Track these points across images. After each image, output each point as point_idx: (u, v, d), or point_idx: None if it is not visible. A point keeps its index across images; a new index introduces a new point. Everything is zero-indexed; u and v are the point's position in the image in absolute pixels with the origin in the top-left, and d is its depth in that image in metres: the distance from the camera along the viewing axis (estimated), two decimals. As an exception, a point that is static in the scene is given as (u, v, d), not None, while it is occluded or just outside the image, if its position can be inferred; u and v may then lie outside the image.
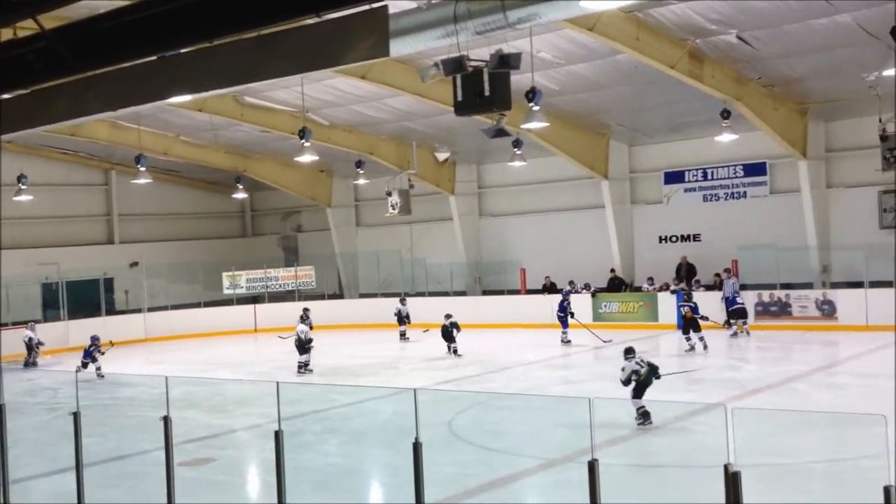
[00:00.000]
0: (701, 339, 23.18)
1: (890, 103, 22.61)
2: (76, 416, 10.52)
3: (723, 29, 20.95)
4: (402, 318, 29.78)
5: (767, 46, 21.78)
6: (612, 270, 30.95)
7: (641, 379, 14.88)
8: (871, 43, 20.14)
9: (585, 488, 7.20)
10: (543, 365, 23.38)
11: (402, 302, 30.31)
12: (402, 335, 29.51)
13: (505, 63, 12.43)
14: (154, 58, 10.36)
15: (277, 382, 9.51)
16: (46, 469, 13.12)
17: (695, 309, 23.60)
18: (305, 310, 25.63)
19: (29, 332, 28.03)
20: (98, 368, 23.93)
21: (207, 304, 35.70)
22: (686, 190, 30.51)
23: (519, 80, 16.69)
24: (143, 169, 28.87)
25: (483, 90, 12.41)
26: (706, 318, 24.04)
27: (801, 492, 11.13)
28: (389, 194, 30.83)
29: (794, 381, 18.84)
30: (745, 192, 29.30)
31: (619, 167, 31.33)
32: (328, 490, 12.28)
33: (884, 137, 22.70)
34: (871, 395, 17.11)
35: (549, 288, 31.38)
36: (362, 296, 37.89)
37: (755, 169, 29.02)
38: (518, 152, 26.90)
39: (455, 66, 12.36)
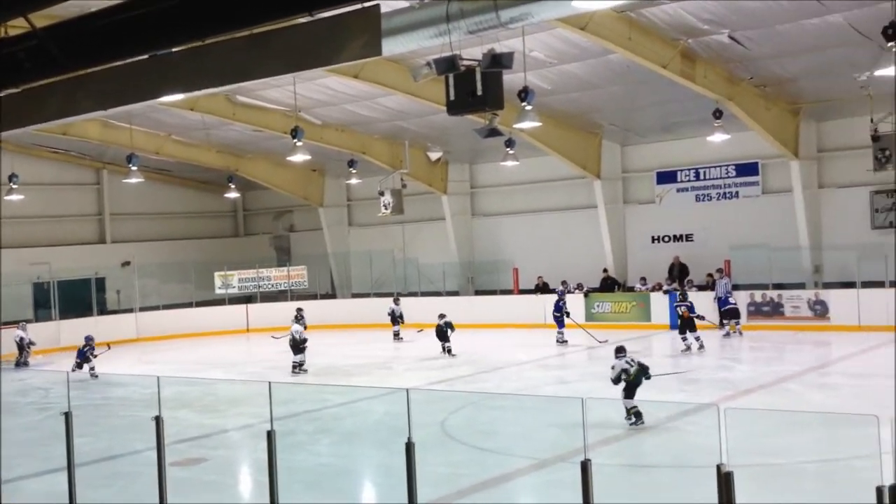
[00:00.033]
0: (697, 338, 23.17)
1: (882, 103, 22.68)
2: (68, 416, 10.50)
3: (715, 29, 20.97)
4: (396, 318, 29.77)
5: (759, 46, 21.82)
6: (605, 270, 30.96)
7: (630, 378, 14.88)
8: (863, 43, 20.18)
9: (578, 488, 7.20)
10: (536, 365, 23.38)
11: (396, 302, 30.31)
12: (396, 335, 29.49)
13: (497, 62, 12.45)
14: (146, 56, 10.34)
15: (269, 382, 9.50)
16: (38, 469, 13.08)
17: (691, 308, 23.60)
18: (299, 310, 25.60)
19: (20, 332, 27.95)
20: (92, 369, 23.90)
21: (199, 304, 35.63)
22: (678, 190, 30.54)
23: (511, 79, 16.71)
24: (134, 168, 28.84)
25: (475, 89, 12.44)
26: (702, 318, 24.08)
27: (793, 492, 11.13)
28: (382, 194, 30.83)
29: (787, 382, 18.85)
30: (737, 192, 29.34)
31: (612, 167, 31.34)
32: (320, 490, 12.25)
33: (875, 138, 22.79)
34: (864, 395, 17.17)
35: (542, 288, 31.39)
36: (355, 296, 37.84)
37: (747, 169, 29.06)
38: (510, 152, 26.91)
39: (447, 65, 12.37)
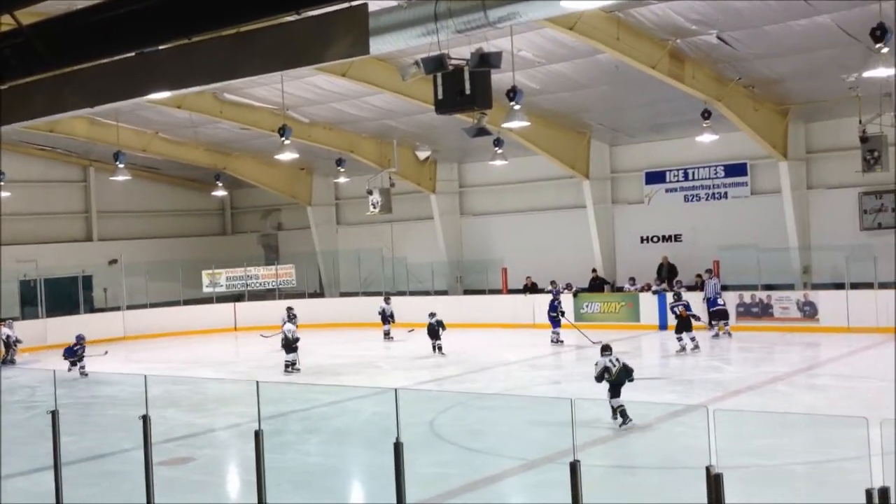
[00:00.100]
0: (692, 339, 23.14)
1: (870, 104, 22.74)
2: (54, 414, 10.44)
3: (703, 29, 20.98)
4: (387, 318, 29.68)
5: (748, 47, 21.84)
6: (594, 271, 30.96)
7: (613, 378, 14.89)
8: (851, 44, 20.22)
9: (567, 489, 7.18)
10: (525, 365, 23.38)
11: (387, 301, 30.23)
12: (387, 334, 29.42)
13: (485, 62, 12.44)
14: (133, 54, 10.29)
15: (257, 382, 9.46)
16: (24, 468, 13.00)
17: (688, 307, 23.61)
18: (290, 309, 25.53)
19: (6, 330, 27.87)
20: (82, 367, 23.80)
21: (187, 303, 35.56)
22: (667, 190, 30.57)
23: (500, 78, 16.71)
24: (121, 166, 28.78)
25: (464, 89, 12.44)
26: (698, 318, 24.14)
27: (783, 494, 11.14)
28: (370, 193, 30.78)
29: (776, 383, 18.86)
30: (726, 193, 29.38)
31: (601, 167, 31.35)
32: (309, 490, 12.22)
33: (864, 139, 22.81)
34: (853, 396, 17.22)
35: (531, 288, 31.38)
36: (343, 294, 37.79)
37: (736, 169, 29.10)
38: (499, 151, 26.90)
39: (435, 64, 12.36)
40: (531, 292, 31.14)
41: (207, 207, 42.68)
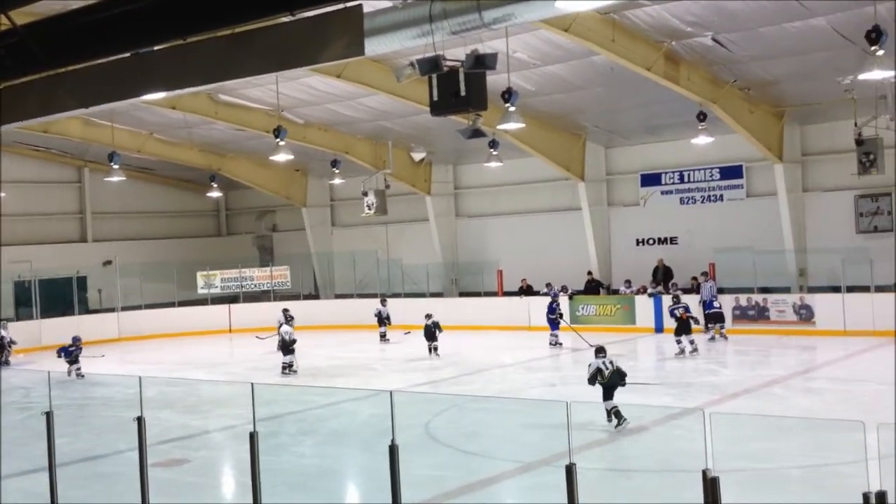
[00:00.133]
0: (692, 342, 23.13)
1: (866, 107, 22.74)
2: (49, 415, 10.41)
3: (698, 31, 21.00)
4: (383, 320, 29.60)
5: (743, 49, 21.86)
6: (589, 273, 30.94)
7: (606, 380, 14.89)
8: (847, 47, 20.25)
9: (563, 492, 7.15)
10: (520, 367, 23.35)
11: (383, 303, 30.18)
12: (383, 336, 29.36)
13: (481, 63, 12.43)
14: (127, 55, 10.27)
15: (252, 383, 9.42)
16: (18, 469, 12.96)
17: (688, 309, 23.60)
18: (286, 311, 25.51)
19: (1, 331, 27.76)
20: (78, 369, 23.73)
21: (182, 304, 35.49)
22: (663, 192, 30.55)
23: (495, 80, 16.66)
24: (116, 167, 28.76)
25: (459, 90, 12.42)
26: (698, 321, 24.12)
27: (779, 497, 11.11)
28: (365, 194, 30.76)
29: (772, 386, 18.86)
30: (721, 195, 29.37)
31: (596, 169, 31.35)
32: (304, 492, 12.19)
33: (860, 142, 22.79)
34: (850, 400, 17.21)
35: (526, 290, 31.36)
36: (338, 296, 37.75)
37: (731, 172, 29.10)
38: (494, 153, 26.89)
39: (430, 65, 12.34)
40: (526, 294, 31.12)
41: (202, 209, 42.63)
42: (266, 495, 9.00)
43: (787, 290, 27.16)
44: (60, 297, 33.43)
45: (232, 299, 36.25)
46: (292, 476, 12.81)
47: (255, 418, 9.00)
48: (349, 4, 8.75)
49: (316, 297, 38.18)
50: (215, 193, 36.16)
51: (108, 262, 36.78)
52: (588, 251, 31.33)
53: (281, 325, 24.43)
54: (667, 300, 27.03)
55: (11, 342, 27.86)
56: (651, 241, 31.05)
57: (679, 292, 25.86)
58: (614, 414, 14.55)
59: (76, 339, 24.29)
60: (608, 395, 14.83)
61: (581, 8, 16.70)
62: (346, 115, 29.42)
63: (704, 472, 6.59)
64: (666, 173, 30.43)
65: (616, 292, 30.46)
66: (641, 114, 28.08)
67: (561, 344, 25.78)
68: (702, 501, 6.59)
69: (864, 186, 25.99)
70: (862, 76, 17.56)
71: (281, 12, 8.41)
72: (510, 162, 30.16)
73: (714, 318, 25.67)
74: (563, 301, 28.29)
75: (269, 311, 30.84)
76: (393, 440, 8.08)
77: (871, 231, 26.73)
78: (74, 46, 9.46)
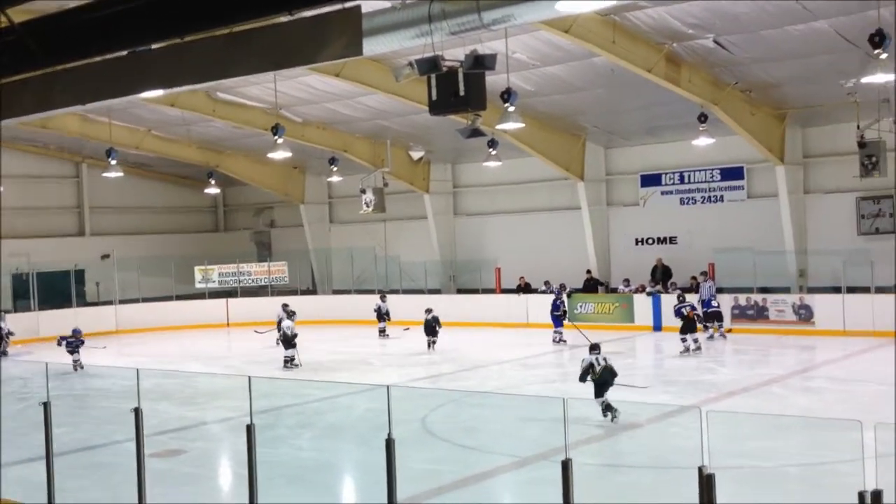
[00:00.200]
0: (695, 340, 23.17)
1: (868, 110, 22.76)
2: (46, 406, 10.41)
3: (700, 33, 20.98)
4: (382, 315, 29.55)
5: (745, 51, 21.84)
6: (588, 272, 30.95)
7: (597, 377, 14.96)
8: (849, 49, 20.21)
9: (559, 487, 7.17)
10: (518, 364, 23.36)
11: (383, 299, 30.12)
12: (382, 332, 29.33)
13: (480, 63, 12.44)
14: (125, 53, 10.28)
15: (249, 377, 9.43)
16: (17, 458, 12.97)
17: (694, 308, 23.62)
18: (286, 305, 25.55)
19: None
20: (76, 360, 23.72)
21: (179, 298, 35.50)
22: (663, 193, 30.55)
23: (494, 80, 16.70)
24: (114, 163, 28.77)
25: (458, 90, 12.41)
26: (702, 319, 24.21)
27: (775, 495, 11.13)
28: (364, 192, 30.78)
29: (771, 385, 18.87)
30: (722, 196, 29.37)
31: (596, 169, 31.35)
32: (301, 484, 12.20)
33: (862, 144, 22.81)
34: (848, 400, 17.23)
35: (524, 288, 31.38)
36: (336, 292, 37.77)
37: (732, 173, 29.10)
38: (493, 152, 26.88)
39: (429, 65, 12.35)
40: (525, 292, 31.15)
41: (200, 204, 42.63)
42: (262, 487, 9.00)
43: (786, 290, 27.18)
44: (58, 289, 33.45)
45: (230, 294, 36.25)
46: (289, 469, 12.83)
47: (251, 410, 9.00)
48: (348, 5, 8.74)
49: (313, 292, 38.20)
50: (213, 190, 36.14)
51: (106, 256, 36.79)
52: (587, 250, 31.34)
53: (281, 319, 24.48)
54: (666, 299, 27.18)
55: (9, 333, 27.89)
56: (650, 241, 31.07)
57: (678, 291, 25.89)
58: (606, 407, 14.66)
59: (76, 332, 24.28)
60: (599, 393, 14.91)
61: (582, 9, 16.70)
62: (344, 113, 29.41)
63: (700, 470, 6.59)
64: (666, 174, 30.43)
65: (615, 291, 30.48)
66: (642, 115, 28.08)
67: (565, 341, 25.73)
68: (697, 499, 6.59)
69: (866, 189, 26.03)
70: (865, 79, 17.53)
71: (279, 12, 8.42)
72: (509, 161, 30.16)
73: (712, 317, 25.69)
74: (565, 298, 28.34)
75: (267, 306, 30.92)
76: (389, 434, 8.08)
77: (873, 233, 26.74)
78: (72, 44, 9.46)
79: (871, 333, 24.22)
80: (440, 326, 25.26)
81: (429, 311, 25.53)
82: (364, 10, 9.33)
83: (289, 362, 23.07)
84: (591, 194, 31.02)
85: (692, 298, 25.71)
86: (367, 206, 30.85)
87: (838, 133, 26.28)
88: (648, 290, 28.71)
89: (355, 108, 28.74)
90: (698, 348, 23.11)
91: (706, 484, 6.56)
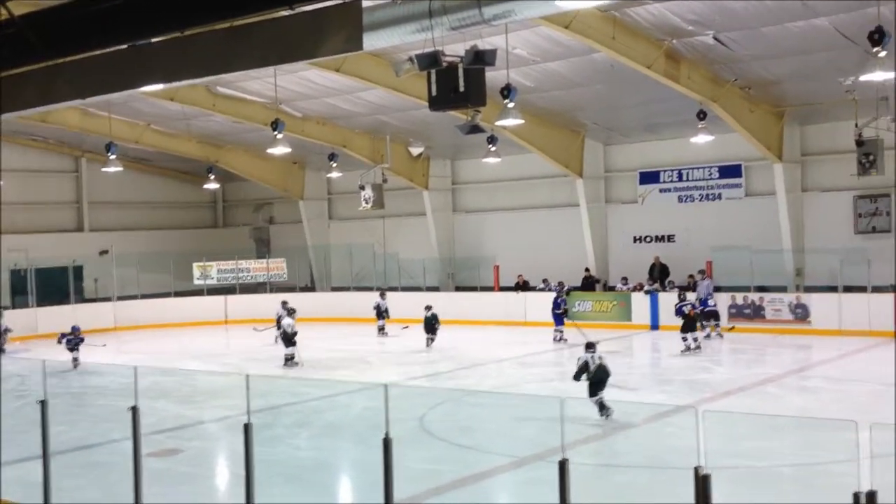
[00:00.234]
0: (695, 339, 23.16)
1: (866, 108, 22.74)
2: (44, 404, 10.39)
3: (699, 30, 20.97)
4: (382, 313, 29.42)
5: (744, 48, 21.83)
6: (587, 270, 30.93)
7: (592, 376, 14.99)
8: (849, 47, 20.22)
9: (556, 487, 7.16)
10: (516, 362, 23.36)
11: (382, 296, 30.00)
12: (381, 330, 29.27)
13: (480, 59, 12.45)
14: (125, 46, 10.26)
15: (247, 375, 9.42)
16: (13, 457, 12.95)
17: (695, 306, 23.63)
18: (285, 303, 25.51)
19: (-3, 319, 27.79)
20: (75, 358, 23.69)
21: (178, 294, 35.46)
22: (661, 190, 30.54)
23: (494, 76, 16.69)
24: (113, 157, 28.67)
25: (458, 86, 12.43)
26: (703, 317, 24.24)
27: (771, 495, 11.15)
28: (363, 188, 30.74)
29: (767, 385, 18.86)
30: (720, 194, 29.37)
31: (595, 166, 31.35)
32: (299, 484, 12.19)
33: (860, 142, 22.82)
34: (844, 399, 17.23)
35: (523, 286, 31.36)
36: (334, 289, 37.74)
37: (730, 171, 29.10)
38: (492, 149, 26.86)
39: (430, 61, 12.35)
40: (523, 290, 31.13)
41: (199, 200, 42.61)
42: (260, 487, 8.99)
43: (783, 289, 27.18)
44: (56, 286, 33.42)
45: (228, 290, 36.22)
46: (287, 468, 12.82)
47: (249, 409, 8.99)
48: (348, -1, 8.74)
49: (312, 289, 38.17)
50: (212, 185, 36.14)
51: (105, 252, 36.73)
52: (585, 248, 31.33)
53: (280, 317, 24.44)
54: (663, 298, 27.14)
55: (7, 330, 27.83)
56: (648, 239, 31.07)
57: (675, 289, 25.88)
58: (599, 405, 14.76)
59: (75, 329, 24.24)
60: (594, 392, 14.94)
61: (582, 6, 16.69)
62: (344, 108, 29.39)
63: (696, 470, 6.59)
64: (664, 171, 30.43)
65: (612, 289, 30.47)
66: (641, 112, 28.07)
67: (566, 340, 25.67)
68: (693, 498, 6.59)
69: (863, 187, 26.04)
70: (864, 77, 17.52)
71: (280, 6, 8.40)
72: (508, 158, 30.13)
73: (709, 315, 25.67)
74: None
75: (265, 303, 30.88)
76: (387, 433, 8.07)
77: (870, 232, 26.77)
78: (72, 37, 9.46)
79: (867, 333, 24.24)
80: (439, 324, 25.24)
81: (428, 308, 25.52)
82: (364, 4, 9.34)
83: (289, 360, 23.04)
84: (589, 191, 31.01)
85: (690, 297, 25.69)
86: (366, 203, 30.80)
87: (836, 131, 26.29)
88: (646, 288, 28.69)
89: (355, 104, 28.72)
90: (698, 347, 23.10)
91: (702, 484, 6.56)
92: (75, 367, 23.41)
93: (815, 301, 26.03)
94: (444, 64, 12.36)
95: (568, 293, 29.37)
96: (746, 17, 20.05)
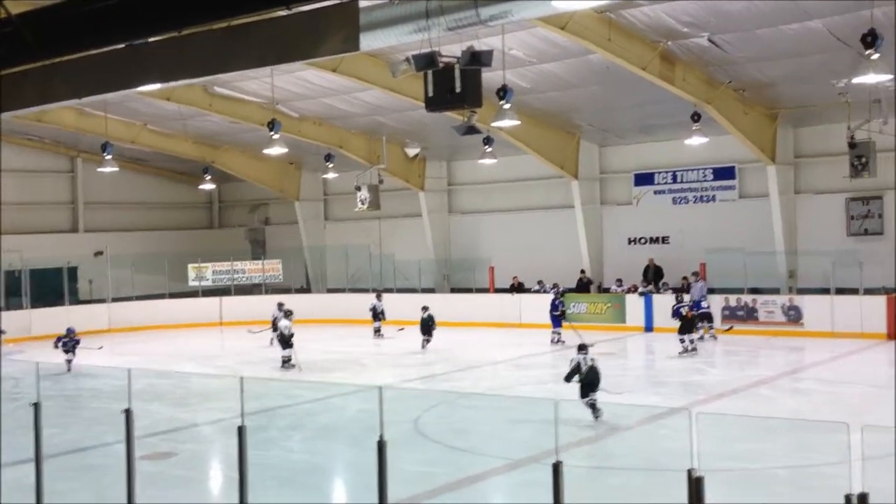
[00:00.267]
0: (692, 341, 23.18)
1: (859, 110, 22.79)
2: (37, 406, 10.38)
3: (694, 32, 21.00)
4: (378, 315, 29.32)
5: (738, 50, 21.87)
6: (583, 271, 30.95)
7: (583, 377, 15.05)
8: (842, 50, 20.25)
9: (550, 489, 7.17)
10: (511, 364, 23.38)
11: (379, 298, 29.89)
12: (377, 331, 29.21)
13: (476, 60, 12.47)
14: (122, 46, 10.25)
15: (241, 377, 9.42)
16: (6, 460, 12.95)
17: (692, 308, 23.66)
18: (281, 304, 25.49)
19: (-9, 320, 27.72)
20: (69, 361, 23.61)
21: (173, 296, 35.41)
22: (656, 192, 30.61)
23: (490, 77, 16.70)
24: (109, 157, 28.63)
25: (454, 86, 12.45)
26: (700, 318, 24.30)
27: (764, 497, 11.16)
28: (359, 189, 30.76)
29: (760, 387, 18.90)
30: (714, 196, 29.43)
31: (590, 167, 31.39)
32: (292, 487, 12.18)
33: (852, 145, 22.87)
34: (836, 401, 17.26)
35: (518, 288, 31.36)
36: (330, 290, 37.74)
37: (724, 173, 29.16)
38: (489, 150, 26.90)
39: (426, 61, 12.37)
40: (518, 292, 31.13)
41: (195, 200, 42.59)
42: (254, 490, 8.99)
43: (776, 291, 27.22)
44: (51, 287, 33.33)
45: (223, 292, 36.19)
46: (280, 471, 12.81)
47: (243, 412, 8.99)
48: (346, -1, 8.75)
49: (307, 290, 38.16)
50: (208, 185, 36.13)
51: (100, 253, 36.69)
52: (580, 249, 31.36)
53: (276, 318, 24.39)
54: (658, 299, 27.17)
55: (1, 332, 27.75)
56: (643, 241, 31.10)
57: (669, 291, 25.90)
58: (589, 406, 14.83)
59: (70, 331, 24.15)
60: (585, 393, 15.01)
61: (578, 7, 16.72)
62: (340, 109, 29.39)
63: (689, 472, 6.61)
64: (659, 173, 30.48)
65: (607, 291, 30.49)
66: (636, 113, 28.10)
67: (563, 342, 25.65)
68: (686, 501, 6.60)
69: (856, 189, 26.12)
70: (856, 80, 17.59)
71: (277, 6, 8.40)
72: (504, 159, 30.17)
73: (703, 317, 25.67)
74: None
75: (261, 305, 30.85)
76: (381, 436, 8.07)
77: (862, 234, 26.84)
78: (69, 36, 9.44)
79: (859, 335, 24.31)
80: (435, 325, 25.24)
81: (425, 308, 25.53)
82: (361, 5, 9.35)
83: (286, 362, 23.00)
84: (584, 193, 31.05)
85: (686, 298, 25.72)
86: (363, 204, 30.82)
87: (829, 133, 26.34)
88: (641, 290, 28.71)
89: (352, 104, 28.73)
90: (694, 349, 23.12)
91: (695, 486, 6.58)
92: (69, 369, 23.33)
93: (807, 303, 26.06)
94: (441, 65, 12.38)
95: (563, 295, 29.39)
96: (741, 20, 20.09)
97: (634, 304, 28.62)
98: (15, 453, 12.06)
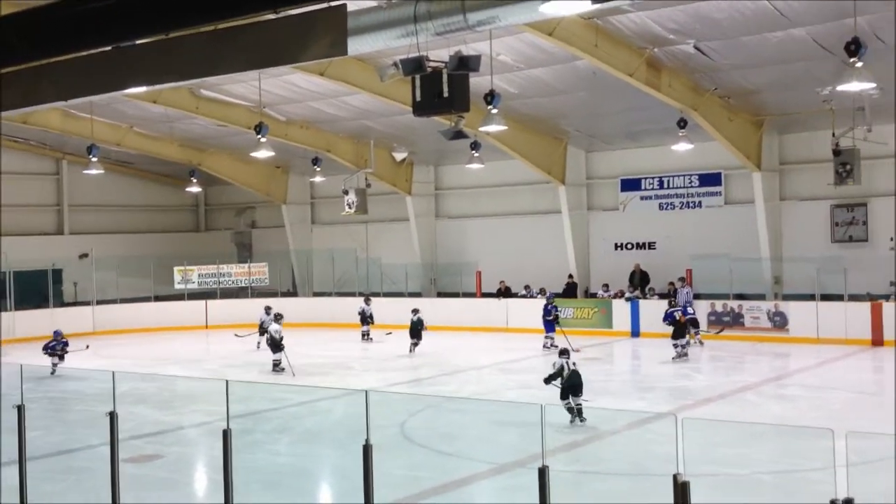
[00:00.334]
0: (684, 346, 23.23)
1: (843, 118, 22.92)
2: (20, 409, 10.35)
3: (680, 39, 21.09)
4: (366, 319, 29.21)
5: (724, 57, 21.97)
6: (570, 276, 30.98)
7: (565, 381, 15.26)
8: (826, 57, 20.40)
9: (536, 493, 7.19)
10: (497, 369, 23.39)
11: (367, 302, 29.74)
12: (365, 335, 29.15)
13: (464, 65, 12.48)
14: (109, 48, 10.22)
15: (227, 380, 9.40)
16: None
17: (685, 311, 23.72)
18: (269, 308, 25.42)
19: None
20: (54, 364, 23.45)
21: (158, 299, 35.31)
22: (642, 198, 30.67)
23: (478, 82, 16.74)
24: (95, 159, 28.56)
25: (442, 91, 12.46)
26: (695, 323, 24.42)
27: (750, 502, 11.20)
28: (346, 193, 30.74)
29: (745, 392, 18.97)
30: (700, 202, 29.52)
31: (577, 173, 31.44)
32: (278, 490, 12.17)
33: (837, 152, 23.00)
34: (821, 407, 17.35)
35: (504, 292, 31.38)
36: (316, 294, 37.70)
37: (710, 179, 29.26)
38: (476, 155, 26.94)
39: (414, 66, 12.37)
40: (505, 296, 31.15)
41: (181, 203, 42.49)
42: (239, 493, 8.98)
43: (762, 297, 27.33)
44: (35, 289, 33.18)
45: (209, 295, 36.09)
46: (266, 474, 12.79)
47: (228, 415, 8.98)
48: (333, 3, 8.74)
49: (294, 294, 38.10)
50: (195, 188, 36.01)
51: (85, 255, 36.55)
52: (567, 254, 31.40)
53: (263, 322, 24.32)
54: (644, 305, 27.25)
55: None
56: (629, 246, 31.17)
57: (655, 297, 25.94)
58: (570, 411, 14.99)
59: (57, 334, 23.90)
60: (565, 395, 15.15)
61: (565, 12, 16.74)
62: (328, 113, 29.38)
63: (675, 477, 6.63)
64: (645, 179, 30.56)
65: (594, 296, 30.54)
66: (622, 119, 28.18)
67: (556, 346, 25.54)
68: (672, 505, 6.63)
69: (840, 196, 26.23)
70: (840, 87, 17.67)
71: (265, 10, 8.39)
72: (491, 164, 30.21)
73: (689, 323, 25.69)
74: (540, 303, 28.23)
75: (247, 308, 30.78)
76: (367, 440, 8.08)
77: (846, 241, 26.97)
78: (55, 38, 9.39)
79: (843, 341, 24.42)
80: (424, 329, 25.24)
81: (415, 311, 25.50)
82: (349, 8, 9.34)
83: (277, 366, 22.92)
84: (571, 198, 31.10)
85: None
86: (350, 208, 30.82)
87: (814, 140, 26.50)
88: (627, 295, 28.78)
89: (339, 108, 28.71)
90: (685, 353, 23.18)
91: (681, 491, 6.60)
92: (53, 373, 23.19)
93: (792, 309, 26.16)
94: (429, 69, 12.39)
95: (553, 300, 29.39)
96: (726, 27, 20.18)
97: (621, 309, 28.67)
98: (-1, 456, 12.04)
